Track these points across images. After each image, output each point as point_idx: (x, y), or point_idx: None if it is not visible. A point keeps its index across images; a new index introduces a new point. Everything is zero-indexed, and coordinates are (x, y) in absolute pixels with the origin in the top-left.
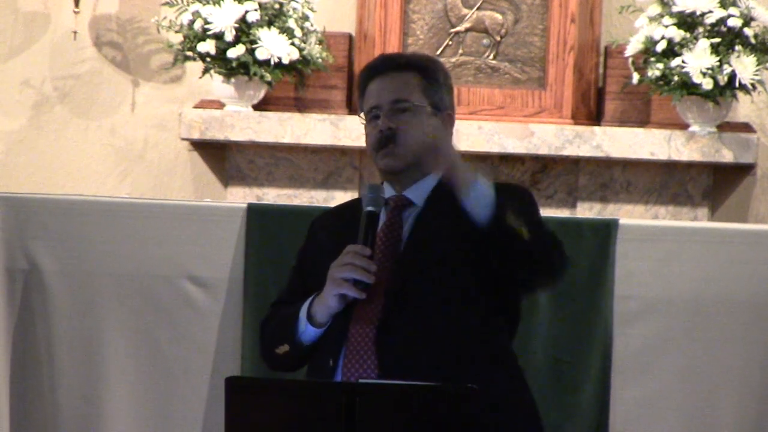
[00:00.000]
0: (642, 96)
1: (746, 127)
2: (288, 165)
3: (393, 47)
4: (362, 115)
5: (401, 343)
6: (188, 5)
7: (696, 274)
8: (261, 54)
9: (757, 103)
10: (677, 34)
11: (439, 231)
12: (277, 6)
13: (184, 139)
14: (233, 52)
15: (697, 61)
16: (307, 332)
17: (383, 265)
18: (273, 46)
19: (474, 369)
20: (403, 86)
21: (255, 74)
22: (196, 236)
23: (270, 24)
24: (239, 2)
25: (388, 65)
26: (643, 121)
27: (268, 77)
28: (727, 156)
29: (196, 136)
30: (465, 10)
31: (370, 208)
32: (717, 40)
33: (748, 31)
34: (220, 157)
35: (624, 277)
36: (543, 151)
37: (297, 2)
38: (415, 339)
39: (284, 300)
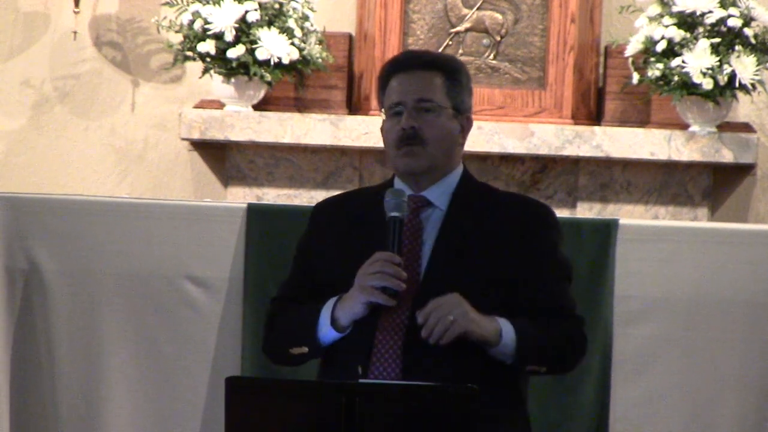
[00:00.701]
0: (642, 96)
1: (746, 127)
2: (288, 165)
3: (393, 47)
4: (383, 110)
5: (427, 352)
6: (188, 5)
7: (696, 274)
8: (261, 54)
9: (757, 103)
10: (677, 34)
11: (467, 239)
12: (277, 6)
13: (184, 139)
14: (233, 52)
15: (697, 61)
16: (329, 336)
17: (406, 268)
18: (273, 46)
19: (501, 378)
20: (427, 85)
21: (255, 74)
22: (196, 236)
23: (270, 24)
24: (239, 2)
25: (413, 62)
26: (643, 121)
27: (268, 77)
28: (727, 156)
29: (196, 136)
30: (465, 10)
31: (395, 214)
32: (717, 40)
33: (748, 31)
34: (220, 157)
35: (624, 277)
36: (543, 151)
37: (297, 2)
38: (440, 349)
39: (288, 295)
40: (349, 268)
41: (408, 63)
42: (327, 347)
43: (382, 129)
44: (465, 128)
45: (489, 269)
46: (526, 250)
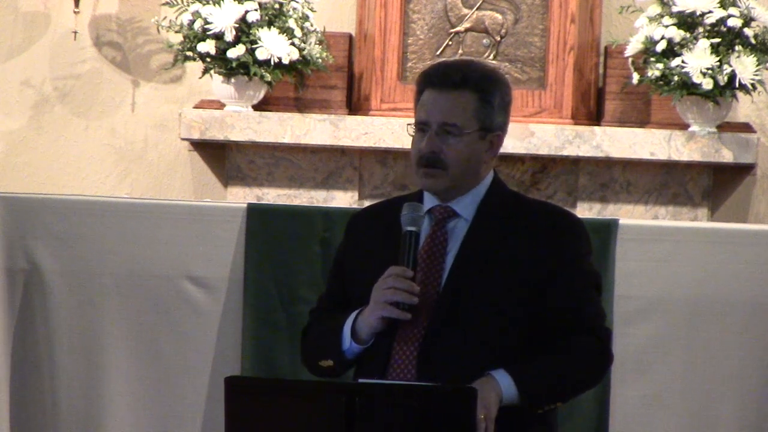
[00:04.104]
0: (642, 96)
1: (746, 127)
2: (288, 165)
3: (393, 47)
4: (412, 123)
5: (441, 363)
6: (188, 5)
7: (696, 274)
8: (261, 54)
9: (757, 103)
10: (677, 34)
11: (490, 250)
12: (277, 6)
13: (184, 139)
14: (233, 52)
15: (697, 61)
16: (351, 349)
17: (427, 278)
18: (273, 46)
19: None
20: (455, 108)
21: (255, 74)
22: (196, 236)
23: (270, 24)
24: (239, 2)
25: (445, 81)
26: (643, 121)
27: (268, 77)
28: (727, 156)
29: (196, 136)
30: (465, 10)
31: (410, 228)
32: (717, 40)
33: (748, 31)
34: (220, 157)
35: (624, 277)
36: (543, 151)
37: (297, 2)
38: (454, 360)
39: (324, 307)
40: (373, 281)
41: (440, 81)
42: (353, 360)
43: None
44: (494, 145)
45: (510, 281)
46: (549, 261)
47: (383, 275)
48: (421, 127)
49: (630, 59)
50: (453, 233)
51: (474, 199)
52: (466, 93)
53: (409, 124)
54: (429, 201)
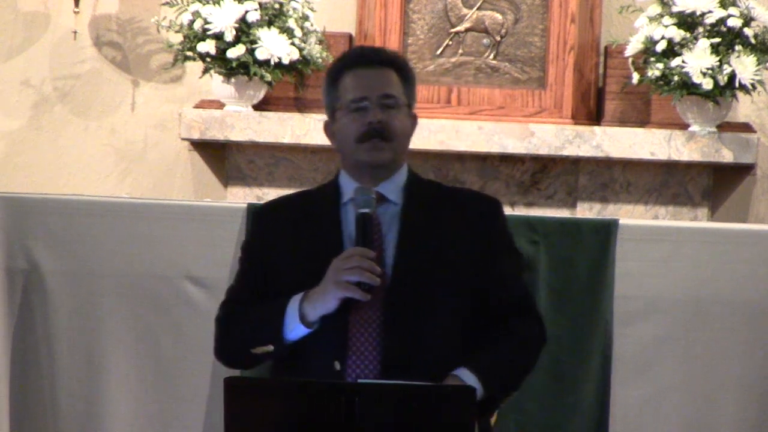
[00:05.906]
0: (642, 96)
1: (746, 127)
2: (288, 165)
3: (393, 47)
4: (339, 105)
5: (404, 343)
6: (188, 5)
7: (696, 274)
8: (261, 54)
9: (757, 103)
10: (677, 34)
11: (427, 232)
12: (277, 6)
13: (184, 139)
14: (233, 52)
15: (697, 61)
16: (296, 332)
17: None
18: (273, 46)
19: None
20: (388, 81)
21: (255, 74)
22: (196, 236)
23: (270, 24)
24: (239, 2)
25: (370, 58)
26: (643, 121)
27: (268, 77)
28: (727, 156)
29: (196, 136)
30: (465, 10)
31: (365, 210)
32: (717, 40)
33: (748, 31)
34: (220, 157)
35: (624, 277)
36: (543, 151)
37: (297, 2)
38: (417, 339)
39: (240, 298)
40: (303, 268)
41: (365, 59)
42: (292, 344)
43: (328, 126)
44: (414, 124)
45: (453, 260)
46: (485, 243)
47: (342, 255)
48: (357, 105)
49: (630, 59)
50: (384, 217)
51: (398, 185)
52: (391, 70)
53: (329, 107)
54: (350, 188)
